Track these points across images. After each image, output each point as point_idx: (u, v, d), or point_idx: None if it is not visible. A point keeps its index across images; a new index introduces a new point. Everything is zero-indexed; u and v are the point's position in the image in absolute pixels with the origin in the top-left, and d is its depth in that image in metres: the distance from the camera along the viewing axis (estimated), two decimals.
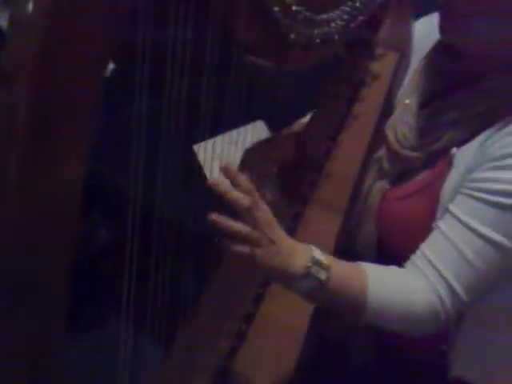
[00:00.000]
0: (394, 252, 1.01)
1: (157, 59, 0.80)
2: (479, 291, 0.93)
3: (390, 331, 0.93)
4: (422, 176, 1.01)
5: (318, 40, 1.01)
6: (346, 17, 1.06)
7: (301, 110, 1.31)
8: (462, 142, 0.96)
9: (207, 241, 0.88)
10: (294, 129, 1.25)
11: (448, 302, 0.90)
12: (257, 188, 0.85)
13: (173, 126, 0.89)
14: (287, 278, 0.87)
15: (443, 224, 0.93)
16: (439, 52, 1.05)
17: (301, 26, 0.97)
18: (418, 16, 1.20)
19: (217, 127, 1.05)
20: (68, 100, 0.66)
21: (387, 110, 1.13)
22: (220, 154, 1.08)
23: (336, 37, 1.05)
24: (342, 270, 0.90)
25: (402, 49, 1.19)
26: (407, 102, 1.06)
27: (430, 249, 0.93)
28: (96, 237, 1.49)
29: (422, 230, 0.95)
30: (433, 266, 0.91)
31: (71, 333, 0.76)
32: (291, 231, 1.05)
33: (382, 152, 1.08)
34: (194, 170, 1.28)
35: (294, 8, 0.94)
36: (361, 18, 1.10)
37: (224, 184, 0.82)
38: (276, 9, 0.92)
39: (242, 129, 1.33)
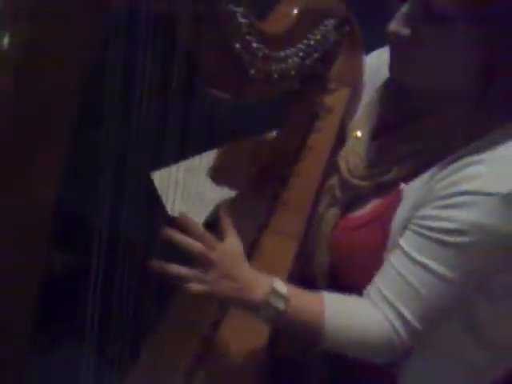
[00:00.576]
0: (346, 278, 1.05)
1: (121, 86, 0.84)
2: (433, 320, 0.96)
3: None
4: (373, 206, 1.04)
5: (275, 75, 1.07)
6: (301, 54, 1.13)
7: None
8: (410, 177, 1.00)
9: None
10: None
11: (402, 332, 0.94)
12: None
13: (132, 153, 0.92)
14: (248, 308, 0.94)
15: (394, 258, 0.96)
16: (389, 87, 1.10)
17: (260, 62, 1.02)
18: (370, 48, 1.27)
19: (175, 155, 1.08)
20: (42, 128, 0.69)
21: (340, 141, 1.18)
22: (178, 182, 1.11)
23: (292, 72, 1.11)
24: (301, 300, 0.95)
25: (354, 83, 1.24)
26: (359, 134, 1.10)
27: (383, 283, 0.96)
28: (59, 261, 1.50)
29: (373, 259, 0.99)
30: (385, 298, 0.95)
31: (33, 355, 0.78)
32: (248, 257, 1.09)
33: (334, 180, 1.12)
34: (152, 197, 1.31)
35: (254, 45, 1.00)
36: (315, 54, 1.16)
37: (175, 235, 0.90)
38: (237, 46, 0.97)
39: (199, 156, 1.36)
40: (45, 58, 0.68)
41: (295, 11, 1.11)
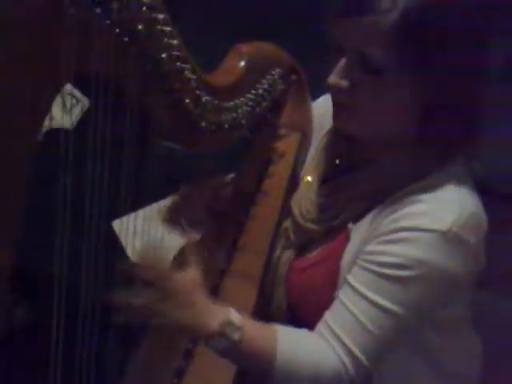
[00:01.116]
0: (302, 317, 1.08)
1: (79, 138, 0.86)
2: (381, 355, 0.99)
3: None
4: (323, 248, 1.08)
5: (226, 125, 1.10)
6: (251, 103, 1.16)
7: None
8: (357, 218, 1.03)
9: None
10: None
11: (351, 368, 0.96)
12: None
13: (93, 201, 0.94)
14: (202, 337, 0.96)
15: (342, 294, 0.99)
16: (334, 134, 1.14)
17: (210, 113, 1.05)
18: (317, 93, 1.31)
19: (135, 202, 1.10)
20: None
21: (293, 184, 1.22)
22: (138, 229, 1.13)
23: (243, 121, 1.14)
24: (255, 331, 0.97)
25: (303, 128, 1.28)
26: (309, 178, 1.14)
27: (332, 318, 0.99)
28: (14, 315, 1.50)
29: (325, 298, 1.01)
30: (335, 335, 0.97)
31: None
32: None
33: (288, 224, 1.16)
34: (112, 244, 1.31)
35: (203, 99, 1.04)
36: (264, 103, 1.20)
37: (133, 268, 0.91)
38: (187, 101, 1.01)
39: (158, 203, 1.38)
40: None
41: (242, 63, 1.15)
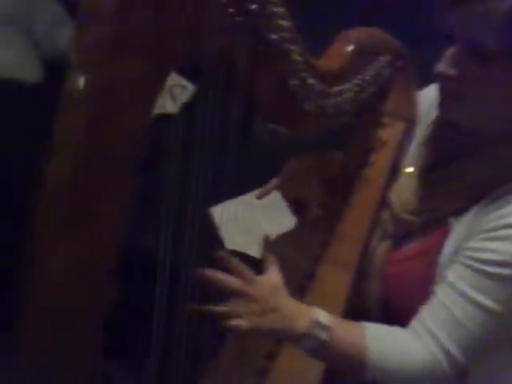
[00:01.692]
0: (396, 311, 1.06)
1: (183, 125, 0.87)
2: (477, 353, 0.97)
3: None
4: (422, 241, 1.06)
5: (331, 109, 1.09)
6: (356, 88, 1.14)
7: None
8: (459, 211, 1.01)
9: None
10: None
11: (445, 364, 0.95)
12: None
13: (193, 188, 0.95)
14: (290, 339, 0.96)
15: (440, 290, 0.98)
16: (439, 124, 1.11)
17: (315, 97, 1.04)
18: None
19: (234, 189, 1.10)
20: (109, 169, 0.73)
21: (393, 175, 1.20)
22: (237, 216, 1.14)
23: (347, 106, 1.12)
24: (343, 330, 0.96)
25: (408, 118, 1.26)
26: (411, 169, 1.12)
27: (427, 314, 0.97)
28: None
29: (421, 292, 1.00)
30: (430, 330, 0.96)
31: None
32: (303, 289, 1.11)
33: (386, 215, 1.14)
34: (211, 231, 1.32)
35: (309, 82, 1.03)
36: (370, 89, 1.18)
37: (213, 275, 0.91)
38: (293, 82, 1.00)
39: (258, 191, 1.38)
40: (118, 101, 0.71)
41: (350, 48, 1.13)
